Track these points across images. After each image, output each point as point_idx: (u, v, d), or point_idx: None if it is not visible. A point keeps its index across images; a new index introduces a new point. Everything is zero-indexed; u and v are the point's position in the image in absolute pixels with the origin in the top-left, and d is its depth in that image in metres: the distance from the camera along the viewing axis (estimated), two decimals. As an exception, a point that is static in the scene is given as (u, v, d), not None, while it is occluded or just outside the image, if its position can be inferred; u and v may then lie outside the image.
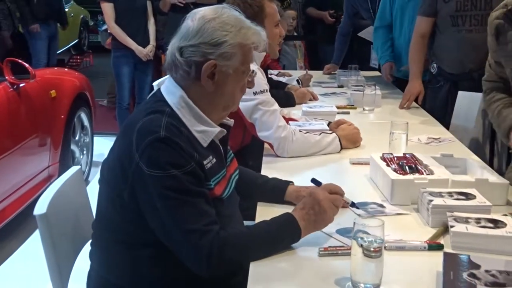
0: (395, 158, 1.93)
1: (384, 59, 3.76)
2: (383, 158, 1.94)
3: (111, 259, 1.51)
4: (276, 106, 2.28)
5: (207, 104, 1.50)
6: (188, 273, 1.40)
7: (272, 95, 2.32)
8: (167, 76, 1.58)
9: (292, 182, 1.81)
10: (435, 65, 3.19)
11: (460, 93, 2.99)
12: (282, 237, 1.44)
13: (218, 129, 1.51)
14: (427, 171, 1.84)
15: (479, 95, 2.64)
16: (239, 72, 1.49)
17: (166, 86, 1.52)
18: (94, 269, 1.58)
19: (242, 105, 2.21)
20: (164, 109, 1.45)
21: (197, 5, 4.70)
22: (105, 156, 1.53)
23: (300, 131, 2.28)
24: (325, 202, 1.48)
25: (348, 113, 2.99)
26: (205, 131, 1.48)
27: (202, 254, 1.34)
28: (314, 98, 3.29)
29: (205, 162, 1.44)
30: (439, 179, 1.78)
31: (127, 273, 1.49)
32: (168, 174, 1.35)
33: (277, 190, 1.78)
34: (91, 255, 1.59)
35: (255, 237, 1.43)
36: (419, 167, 1.87)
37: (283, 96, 3.07)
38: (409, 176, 1.78)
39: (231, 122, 1.63)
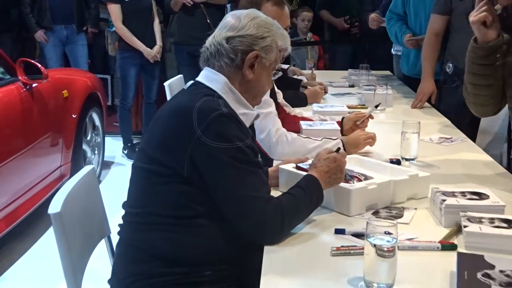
0: None
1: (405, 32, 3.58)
2: (300, 168, 1.81)
3: (165, 235, 1.52)
4: (271, 108, 2.19)
5: (243, 92, 1.64)
6: (225, 247, 1.51)
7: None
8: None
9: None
10: (450, 64, 3.12)
11: None
12: (311, 197, 1.57)
13: (256, 112, 1.68)
14: (363, 176, 1.77)
15: None
16: (271, 67, 1.66)
17: (206, 76, 1.63)
18: (126, 256, 1.59)
19: None
20: (213, 93, 1.58)
21: (207, 5, 4.76)
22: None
23: (299, 134, 2.22)
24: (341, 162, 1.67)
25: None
26: (246, 113, 1.63)
27: (268, 218, 1.46)
28: (325, 91, 3.37)
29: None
30: (384, 181, 1.73)
31: (181, 245, 1.51)
32: (234, 146, 1.47)
33: None
34: (127, 242, 1.60)
35: (300, 202, 1.55)
36: (351, 173, 1.78)
37: (295, 96, 3.06)
38: (362, 184, 1.71)
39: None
